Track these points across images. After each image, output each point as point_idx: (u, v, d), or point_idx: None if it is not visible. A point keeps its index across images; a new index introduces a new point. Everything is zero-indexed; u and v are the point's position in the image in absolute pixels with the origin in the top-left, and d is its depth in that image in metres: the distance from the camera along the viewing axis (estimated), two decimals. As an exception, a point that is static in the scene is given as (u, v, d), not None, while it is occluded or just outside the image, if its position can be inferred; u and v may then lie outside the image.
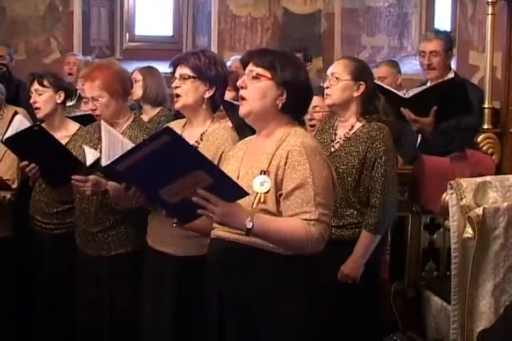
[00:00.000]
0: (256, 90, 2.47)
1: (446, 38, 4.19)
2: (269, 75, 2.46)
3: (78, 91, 5.10)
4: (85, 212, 3.36)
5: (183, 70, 3.04)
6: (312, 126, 3.66)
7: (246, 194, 2.26)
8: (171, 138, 2.15)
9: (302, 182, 2.36)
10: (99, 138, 3.38)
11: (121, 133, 3.29)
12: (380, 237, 3.28)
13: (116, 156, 2.34)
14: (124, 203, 3.07)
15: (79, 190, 3.18)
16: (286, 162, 2.39)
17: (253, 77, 2.47)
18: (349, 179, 3.22)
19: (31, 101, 3.76)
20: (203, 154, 2.22)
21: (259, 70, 2.47)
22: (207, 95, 3.04)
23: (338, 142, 3.33)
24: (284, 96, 2.46)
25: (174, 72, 3.08)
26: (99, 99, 3.29)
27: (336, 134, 3.36)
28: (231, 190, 2.23)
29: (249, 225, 2.26)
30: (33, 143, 3.35)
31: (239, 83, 2.51)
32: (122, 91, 3.34)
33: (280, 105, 2.47)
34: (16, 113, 3.66)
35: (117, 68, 3.41)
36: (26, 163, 3.42)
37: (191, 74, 3.02)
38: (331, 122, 3.43)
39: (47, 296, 3.71)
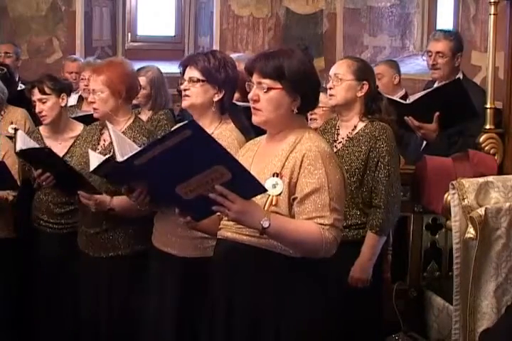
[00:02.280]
0: (270, 102, 2.42)
1: (455, 40, 4.16)
2: (279, 85, 2.41)
3: (79, 93, 5.11)
4: (86, 213, 3.36)
5: (193, 73, 2.97)
6: (312, 120, 3.63)
7: (265, 190, 2.24)
8: (196, 132, 2.09)
9: (318, 186, 2.33)
10: (99, 139, 3.41)
11: (121, 132, 3.28)
12: (385, 238, 3.28)
13: (136, 150, 2.29)
14: (133, 214, 3.08)
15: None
16: (301, 165, 2.36)
17: (264, 92, 2.42)
18: (352, 179, 3.21)
19: (37, 111, 3.74)
20: (226, 149, 2.17)
21: (268, 82, 2.41)
22: (216, 98, 2.98)
23: (340, 142, 3.32)
24: (298, 99, 2.43)
25: (183, 72, 3.02)
26: (99, 93, 3.28)
27: (338, 134, 3.36)
28: (250, 186, 2.18)
29: (266, 224, 2.22)
30: (43, 160, 3.37)
31: (250, 96, 2.45)
32: (126, 94, 3.31)
33: (295, 109, 2.44)
34: (16, 129, 3.65)
35: (127, 70, 3.37)
36: (41, 171, 3.37)
37: (200, 77, 2.96)
38: (333, 122, 3.43)
39: (50, 296, 3.71)
